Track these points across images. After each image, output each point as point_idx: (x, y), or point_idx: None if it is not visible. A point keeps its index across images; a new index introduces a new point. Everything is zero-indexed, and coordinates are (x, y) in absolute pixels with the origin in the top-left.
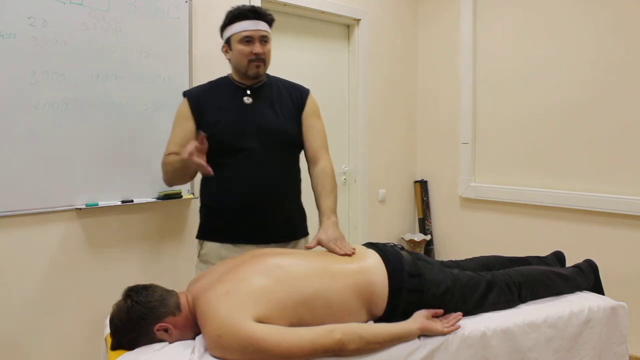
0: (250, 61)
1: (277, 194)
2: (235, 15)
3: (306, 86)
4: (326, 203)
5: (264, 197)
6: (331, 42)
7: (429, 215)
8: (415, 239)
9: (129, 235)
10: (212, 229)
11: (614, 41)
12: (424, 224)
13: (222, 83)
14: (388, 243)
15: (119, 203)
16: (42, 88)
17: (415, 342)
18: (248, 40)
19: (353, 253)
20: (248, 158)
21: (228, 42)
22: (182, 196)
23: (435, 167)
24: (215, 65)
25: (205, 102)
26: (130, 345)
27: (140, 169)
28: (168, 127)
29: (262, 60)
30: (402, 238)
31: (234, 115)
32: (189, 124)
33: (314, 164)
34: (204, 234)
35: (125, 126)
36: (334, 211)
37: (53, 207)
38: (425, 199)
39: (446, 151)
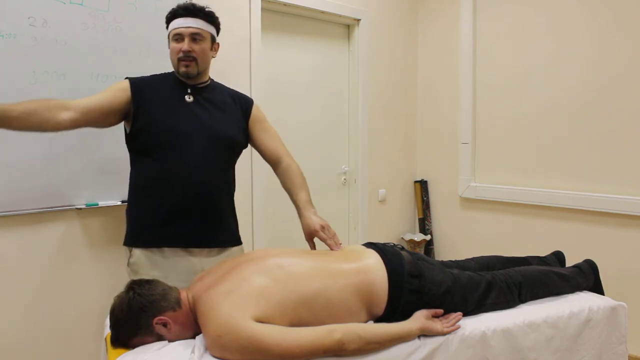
0: (179, 59)
1: (212, 196)
2: (171, 13)
3: (306, 86)
4: (301, 196)
5: (197, 198)
6: (331, 42)
7: (429, 215)
8: (415, 239)
9: None
10: (141, 232)
11: (614, 41)
12: (424, 224)
13: (166, 78)
14: (388, 243)
15: (119, 203)
16: (42, 88)
17: (415, 342)
18: (178, 38)
19: (340, 242)
20: (185, 157)
21: (168, 40)
22: None
23: (435, 167)
24: (214, 65)
25: (147, 92)
26: (129, 338)
27: None
28: None
29: (191, 58)
30: (402, 238)
31: (175, 112)
32: (122, 98)
33: (278, 164)
34: (131, 240)
35: None
36: (311, 203)
37: (53, 207)
38: (425, 199)
39: (446, 151)
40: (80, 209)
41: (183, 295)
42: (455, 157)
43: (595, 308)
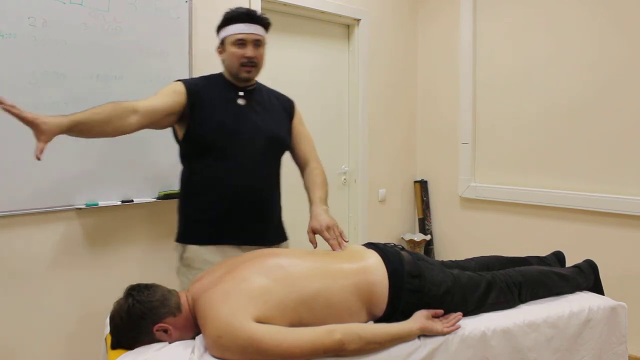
0: (241, 64)
1: (265, 195)
2: (231, 17)
3: (306, 86)
4: (317, 194)
5: (251, 197)
6: (331, 42)
7: (429, 215)
8: (415, 239)
9: (129, 235)
10: (196, 229)
11: (614, 41)
12: (424, 224)
13: (216, 80)
14: (388, 243)
15: (119, 203)
16: (42, 88)
17: (416, 342)
18: (241, 43)
19: (346, 241)
20: (240, 157)
21: (223, 43)
22: None
23: (435, 167)
24: (215, 65)
25: (201, 94)
26: (129, 344)
27: (140, 168)
28: None
29: (253, 64)
30: (402, 238)
31: (228, 115)
32: (179, 100)
33: (305, 166)
34: (186, 236)
35: None
36: (324, 200)
37: (53, 207)
38: (425, 199)
39: (446, 151)
40: (80, 209)
41: (183, 298)
42: (455, 157)
43: (595, 308)
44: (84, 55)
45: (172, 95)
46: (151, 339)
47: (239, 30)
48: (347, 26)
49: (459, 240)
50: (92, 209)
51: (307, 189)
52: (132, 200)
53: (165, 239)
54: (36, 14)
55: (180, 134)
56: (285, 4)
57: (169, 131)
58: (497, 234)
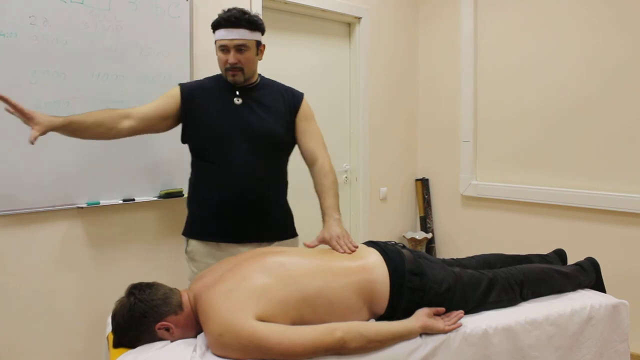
0: (226, 69)
1: (258, 194)
2: (214, 24)
3: (307, 85)
4: (327, 202)
5: (244, 196)
6: (332, 40)
7: (431, 213)
8: (417, 237)
9: (130, 234)
10: (196, 226)
11: (615, 39)
12: (426, 222)
13: (217, 80)
14: (389, 241)
15: (121, 202)
16: (43, 87)
17: (417, 340)
18: (223, 49)
19: (354, 250)
20: (232, 158)
21: (215, 46)
22: (183, 195)
23: (437, 165)
24: (215, 64)
25: (197, 97)
26: (131, 343)
27: (142, 167)
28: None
29: (238, 69)
30: (404, 236)
31: (223, 115)
32: (173, 104)
33: (312, 164)
34: (187, 231)
35: None
36: (336, 208)
37: (54, 206)
38: (426, 197)
39: (447, 149)
40: (82, 207)
41: (184, 296)
42: (456, 155)
43: (597, 306)
44: (85, 54)
45: (165, 99)
46: (153, 338)
47: (220, 37)
48: (348, 24)
49: (461, 238)
50: (93, 208)
51: (317, 193)
52: (133, 199)
53: (167, 237)
54: (37, 13)
55: (181, 135)
56: (286, 2)
57: (170, 131)
58: (498, 232)
